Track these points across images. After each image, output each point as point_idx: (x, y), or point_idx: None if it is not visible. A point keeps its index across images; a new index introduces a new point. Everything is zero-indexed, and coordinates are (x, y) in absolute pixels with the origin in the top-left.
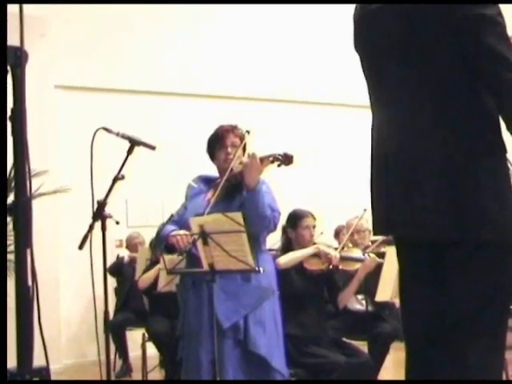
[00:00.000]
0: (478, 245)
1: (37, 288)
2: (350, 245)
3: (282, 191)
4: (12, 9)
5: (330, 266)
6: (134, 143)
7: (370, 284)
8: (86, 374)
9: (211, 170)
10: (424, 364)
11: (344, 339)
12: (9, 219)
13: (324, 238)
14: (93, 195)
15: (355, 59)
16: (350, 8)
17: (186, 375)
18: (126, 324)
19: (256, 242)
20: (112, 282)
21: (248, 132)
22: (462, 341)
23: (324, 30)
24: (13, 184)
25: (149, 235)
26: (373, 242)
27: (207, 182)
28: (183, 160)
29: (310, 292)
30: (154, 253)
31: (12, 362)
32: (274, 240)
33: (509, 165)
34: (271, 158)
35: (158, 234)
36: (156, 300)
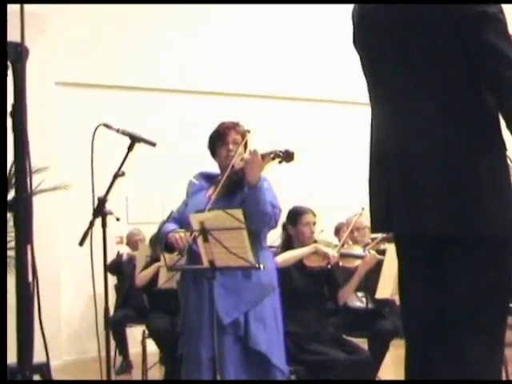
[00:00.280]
0: (478, 242)
1: (37, 284)
2: (350, 242)
3: (282, 188)
4: (13, 6)
5: (329, 266)
6: (134, 140)
7: (370, 281)
8: (86, 371)
9: (212, 167)
10: (424, 361)
11: (344, 336)
12: (9, 215)
13: (324, 236)
14: (93, 192)
15: (355, 57)
16: (350, 7)
17: (186, 372)
18: (126, 321)
19: (256, 239)
20: (112, 278)
21: (248, 131)
22: (461, 338)
23: (324, 28)
24: (13, 180)
25: (149, 232)
26: (373, 239)
27: (208, 178)
28: (184, 157)
29: (310, 289)
30: (154, 250)
31: (12, 358)
32: (274, 237)
33: (508, 162)
34: (272, 155)
35: (159, 232)
36: (156, 297)
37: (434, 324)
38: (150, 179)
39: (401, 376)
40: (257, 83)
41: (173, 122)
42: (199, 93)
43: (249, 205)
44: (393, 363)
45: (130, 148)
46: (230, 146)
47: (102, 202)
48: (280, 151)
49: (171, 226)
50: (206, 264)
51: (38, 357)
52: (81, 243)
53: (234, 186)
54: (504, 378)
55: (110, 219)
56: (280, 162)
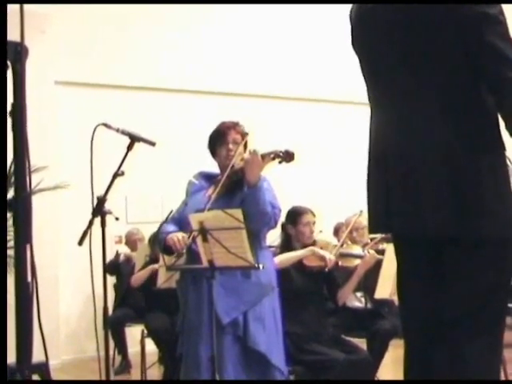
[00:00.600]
0: (478, 242)
1: (36, 284)
2: (349, 242)
3: (282, 188)
4: (13, 5)
5: (326, 269)
6: (133, 139)
7: (369, 281)
8: (84, 370)
9: (211, 167)
10: (423, 361)
11: (343, 336)
12: (9, 215)
13: (323, 236)
14: (92, 191)
15: (355, 57)
16: (349, 7)
17: (185, 371)
18: (125, 320)
19: (256, 239)
20: (111, 278)
21: (247, 134)
22: (461, 338)
23: (324, 28)
24: (13, 179)
25: (148, 231)
26: (371, 239)
27: (208, 178)
28: (183, 156)
29: (309, 289)
30: (154, 249)
31: (11, 357)
32: (273, 237)
33: (508, 162)
34: (272, 155)
35: (158, 232)
36: (155, 296)
37: (434, 324)
38: (149, 179)
39: (400, 376)
40: (257, 83)
41: (172, 122)
42: (199, 92)
43: (248, 205)
44: (392, 363)
45: (130, 147)
46: (230, 146)
47: (101, 201)
48: (280, 151)
49: (170, 227)
50: (205, 264)
51: (37, 356)
52: (80, 242)
53: (234, 185)
54: (503, 379)
55: (109, 218)
56: (280, 163)
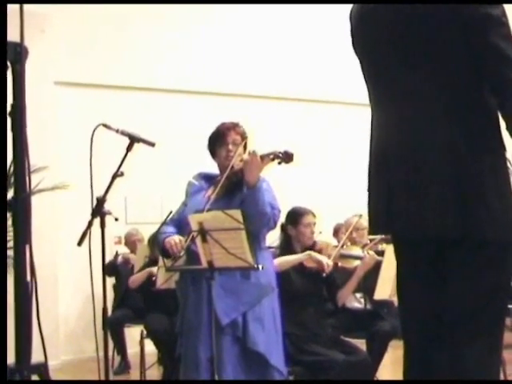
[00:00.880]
0: (480, 244)
1: (36, 284)
2: (349, 243)
3: (281, 189)
4: (12, 5)
5: (324, 274)
6: (133, 140)
7: (368, 282)
8: (84, 371)
9: (211, 167)
10: (423, 362)
11: (342, 337)
12: (8, 215)
13: (322, 237)
14: (92, 192)
15: (354, 58)
16: (349, 7)
17: (184, 372)
18: (124, 321)
19: (255, 240)
20: (110, 278)
21: (246, 137)
22: (460, 339)
23: (324, 28)
24: (12, 180)
25: (148, 232)
26: (371, 240)
27: (208, 179)
28: (182, 157)
29: (308, 290)
30: (153, 250)
31: (11, 358)
32: (273, 237)
33: (508, 164)
34: (272, 156)
35: (158, 234)
36: (154, 297)
37: (434, 325)
38: (148, 179)
39: (399, 377)
40: (257, 84)
41: (172, 123)
42: (199, 93)
43: (248, 205)
44: (391, 364)
45: (129, 148)
46: (230, 147)
47: (100, 201)
48: (279, 152)
49: (169, 230)
50: (204, 264)
51: (36, 357)
52: (79, 243)
53: (234, 186)
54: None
55: (108, 219)
56: (279, 163)
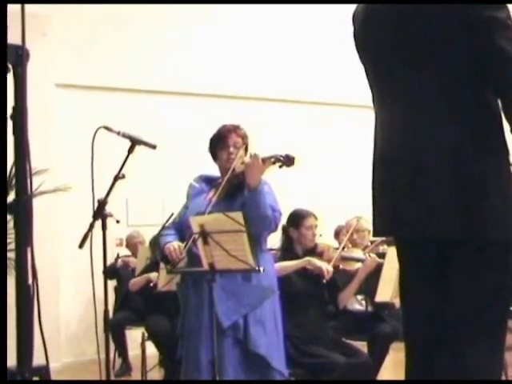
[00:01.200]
0: (483, 245)
1: (37, 286)
2: (350, 245)
3: (282, 191)
4: (13, 7)
5: (324, 281)
6: (134, 142)
7: (369, 284)
8: (85, 373)
9: (212, 170)
10: (425, 364)
11: (344, 339)
12: (9, 217)
13: (323, 239)
14: (93, 194)
15: (355, 59)
16: (352, 7)
17: (185, 374)
18: (125, 323)
19: (257, 242)
20: (112, 281)
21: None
22: (462, 340)
23: (325, 30)
24: (14, 182)
25: (149, 234)
26: (372, 241)
27: (209, 181)
28: (184, 159)
29: (310, 292)
30: (154, 252)
31: (12, 360)
32: (274, 240)
33: None
34: (273, 159)
35: (158, 237)
36: (155, 299)
37: (436, 326)
38: (150, 182)
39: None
40: (258, 86)
41: (173, 125)
42: (200, 95)
43: (249, 208)
44: (392, 366)
45: (131, 150)
46: (231, 149)
47: (102, 204)
48: (281, 156)
49: (170, 235)
50: (206, 266)
51: (37, 359)
52: (80, 245)
53: (235, 189)
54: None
55: (110, 221)
56: (280, 167)
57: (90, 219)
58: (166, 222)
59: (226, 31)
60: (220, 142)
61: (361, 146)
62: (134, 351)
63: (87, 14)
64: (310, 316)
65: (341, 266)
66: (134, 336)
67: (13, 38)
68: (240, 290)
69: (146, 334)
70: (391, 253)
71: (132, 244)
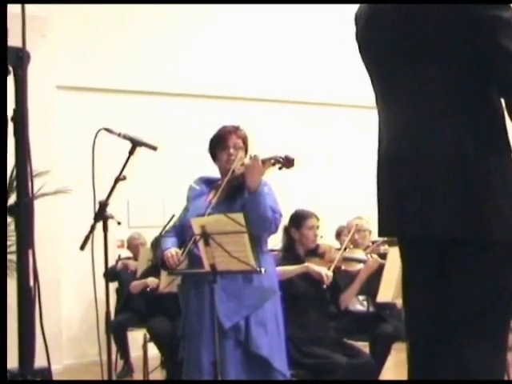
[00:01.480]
0: (487, 245)
1: (38, 288)
2: (351, 246)
3: (282, 192)
4: (13, 9)
5: (324, 286)
6: (135, 144)
7: (371, 285)
8: (86, 375)
9: (213, 171)
10: (427, 364)
11: (345, 340)
12: (10, 220)
13: (324, 240)
14: (94, 196)
15: (355, 60)
16: (351, 8)
17: (187, 376)
18: (127, 324)
19: (257, 243)
20: (113, 282)
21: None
22: (465, 340)
23: (325, 31)
24: (14, 184)
25: (150, 236)
26: (373, 242)
27: (209, 183)
28: (184, 161)
29: (311, 293)
30: (156, 254)
31: (14, 362)
32: (275, 241)
33: None
34: (273, 161)
35: (159, 241)
36: (156, 301)
37: (439, 326)
38: (150, 183)
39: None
40: (258, 87)
41: (174, 126)
42: (201, 96)
43: (249, 209)
44: (394, 367)
45: (131, 152)
46: (231, 151)
47: (103, 205)
48: (280, 157)
49: (169, 240)
50: (207, 268)
51: (39, 361)
52: (82, 247)
53: (235, 190)
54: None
55: (111, 223)
56: (280, 168)
57: (91, 221)
58: (167, 224)
59: (226, 32)
60: (220, 143)
61: (361, 147)
62: (135, 353)
63: (87, 15)
64: (311, 317)
65: (343, 267)
66: (136, 337)
67: (12, 40)
68: (241, 292)
69: (148, 336)
70: (393, 253)
71: (133, 246)
